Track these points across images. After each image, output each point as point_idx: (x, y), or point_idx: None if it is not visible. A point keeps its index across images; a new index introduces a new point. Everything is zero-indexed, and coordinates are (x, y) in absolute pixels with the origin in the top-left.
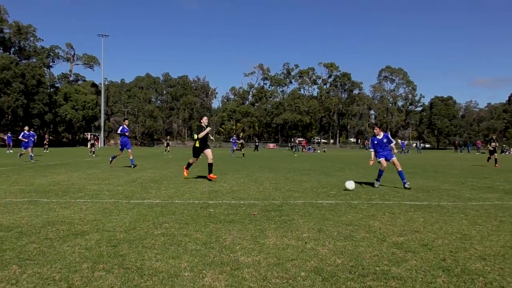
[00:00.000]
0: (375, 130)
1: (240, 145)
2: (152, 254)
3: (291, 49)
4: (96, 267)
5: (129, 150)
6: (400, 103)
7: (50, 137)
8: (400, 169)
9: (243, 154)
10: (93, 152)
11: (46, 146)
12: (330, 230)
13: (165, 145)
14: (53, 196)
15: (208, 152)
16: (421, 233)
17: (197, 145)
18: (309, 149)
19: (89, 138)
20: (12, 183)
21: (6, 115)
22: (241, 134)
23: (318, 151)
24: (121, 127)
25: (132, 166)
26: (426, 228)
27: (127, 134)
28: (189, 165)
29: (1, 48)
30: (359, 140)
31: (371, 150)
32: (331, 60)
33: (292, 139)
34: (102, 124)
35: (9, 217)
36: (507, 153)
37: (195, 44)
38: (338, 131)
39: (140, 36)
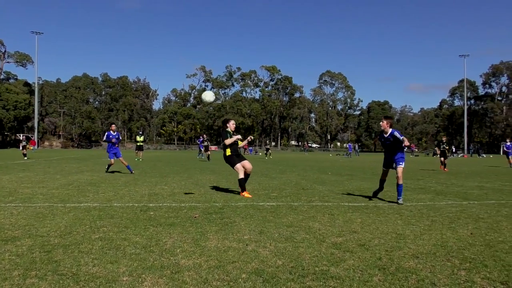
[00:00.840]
0: (381, 123)
1: (205, 147)
2: (89, 259)
3: (233, 51)
4: (28, 274)
5: (120, 158)
6: (339, 107)
7: None
8: (400, 182)
9: (208, 156)
10: (25, 154)
11: None
12: (271, 231)
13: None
14: None
15: (246, 163)
16: (359, 234)
17: (228, 153)
18: (250, 151)
19: (21, 139)
20: None
21: None
22: (204, 135)
23: (260, 154)
24: (106, 133)
25: (131, 172)
26: (363, 229)
27: (113, 140)
28: (242, 182)
29: None
30: (300, 142)
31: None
32: (273, 64)
33: (266, 142)
34: (36, 125)
35: None
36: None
37: (135, 45)
38: (279, 134)
39: (76, 35)
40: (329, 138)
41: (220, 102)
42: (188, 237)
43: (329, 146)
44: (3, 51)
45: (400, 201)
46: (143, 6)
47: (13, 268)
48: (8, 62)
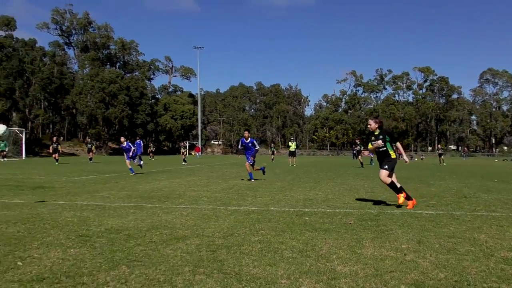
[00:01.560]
0: None
1: (357, 152)
2: (249, 260)
3: (383, 53)
4: (197, 270)
5: (247, 163)
6: (505, 107)
7: (153, 146)
8: None
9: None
10: (184, 159)
11: (152, 154)
12: (431, 242)
13: (270, 153)
14: (156, 201)
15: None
16: None
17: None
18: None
19: (182, 146)
20: (120, 189)
21: (114, 125)
22: (357, 139)
23: (416, 159)
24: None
25: (252, 179)
26: None
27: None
28: (399, 188)
29: (108, 64)
30: (460, 147)
31: None
32: (426, 64)
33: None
34: (199, 132)
35: (118, 221)
36: None
37: (287, 53)
38: (436, 138)
39: (232, 47)
40: (493, 142)
41: (372, 106)
42: (343, 244)
43: (494, 150)
44: (171, 66)
45: None
46: (291, 14)
47: (184, 264)
48: (175, 76)
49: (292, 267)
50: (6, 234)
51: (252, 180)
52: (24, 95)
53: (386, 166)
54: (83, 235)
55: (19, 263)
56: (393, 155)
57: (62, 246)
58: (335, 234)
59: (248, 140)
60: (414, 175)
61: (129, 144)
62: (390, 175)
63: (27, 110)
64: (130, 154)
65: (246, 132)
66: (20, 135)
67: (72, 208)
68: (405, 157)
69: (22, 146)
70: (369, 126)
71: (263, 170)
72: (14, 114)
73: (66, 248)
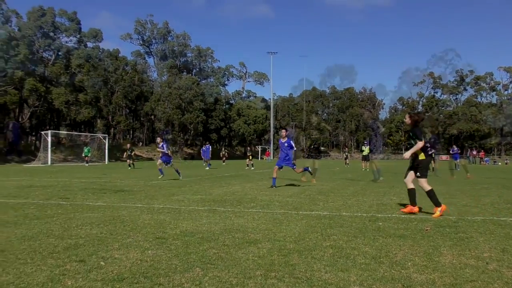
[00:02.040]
0: None
1: None
2: (321, 265)
3: (464, 54)
4: (269, 274)
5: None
6: None
7: (226, 150)
8: None
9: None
10: (252, 165)
11: (224, 158)
12: None
13: (344, 157)
14: (228, 205)
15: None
16: None
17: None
18: (487, 161)
19: (248, 151)
20: (194, 193)
21: (189, 131)
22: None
23: (499, 163)
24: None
25: (274, 186)
26: None
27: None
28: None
29: (185, 71)
30: None
31: None
32: None
33: None
34: (271, 137)
35: (192, 224)
36: None
37: (361, 55)
38: None
39: (306, 51)
40: None
41: (451, 108)
42: (419, 251)
43: None
44: (245, 72)
45: None
46: (365, 16)
47: (256, 268)
48: (248, 81)
49: (365, 273)
50: (90, 235)
51: (273, 187)
52: (107, 102)
53: (418, 174)
54: (160, 237)
55: (102, 263)
56: (421, 157)
57: (141, 247)
58: (411, 240)
59: (285, 140)
60: (497, 180)
61: (164, 146)
62: (425, 180)
63: (110, 117)
64: (165, 153)
65: (283, 131)
66: (104, 140)
67: (150, 211)
68: (407, 153)
69: (105, 151)
70: (404, 120)
71: (308, 170)
72: (98, 121)
73: (144, 249)
